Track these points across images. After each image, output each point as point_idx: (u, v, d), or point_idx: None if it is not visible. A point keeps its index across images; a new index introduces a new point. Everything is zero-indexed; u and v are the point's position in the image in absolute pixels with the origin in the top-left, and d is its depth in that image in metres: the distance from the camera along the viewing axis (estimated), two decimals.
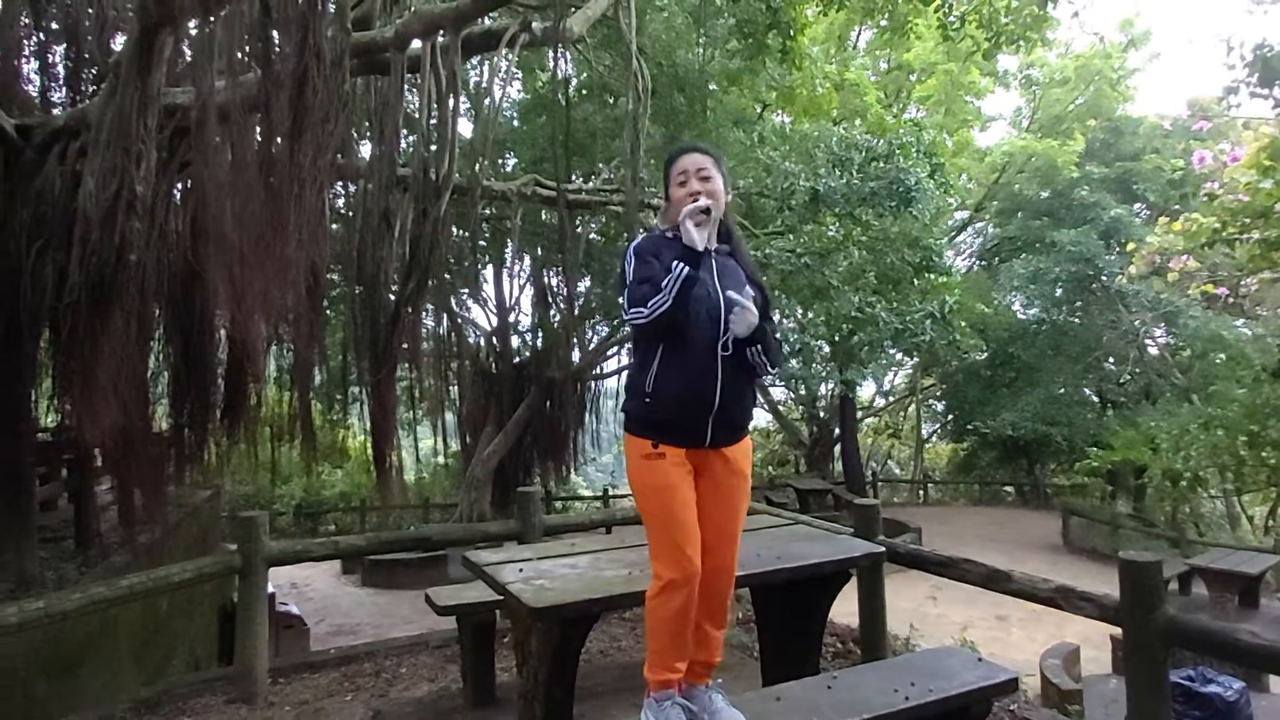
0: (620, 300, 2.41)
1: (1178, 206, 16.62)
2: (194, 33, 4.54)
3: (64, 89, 7.31)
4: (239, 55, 4.17)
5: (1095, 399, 21.11)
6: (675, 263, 2.29)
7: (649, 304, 2.30)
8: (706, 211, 2.36)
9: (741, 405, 2.48)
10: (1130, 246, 9.09)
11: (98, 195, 4.15)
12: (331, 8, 3.90)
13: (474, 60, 12.20)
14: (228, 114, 3.96)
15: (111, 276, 4.18)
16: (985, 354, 19.79)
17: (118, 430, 4.92)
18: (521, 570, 2.86)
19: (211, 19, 4.02)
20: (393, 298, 6.22)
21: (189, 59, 5.97)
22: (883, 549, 3.34)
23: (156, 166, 4.96)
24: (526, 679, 2.90)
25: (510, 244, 14.65)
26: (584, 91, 13.05)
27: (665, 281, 2.28)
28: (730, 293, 2.40)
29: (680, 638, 2.37)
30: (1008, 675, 2.60)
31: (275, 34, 3.76)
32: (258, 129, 3.99)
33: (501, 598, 2.86)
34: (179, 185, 5.68)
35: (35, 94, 7.35)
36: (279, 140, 3.70)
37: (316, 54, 3.59)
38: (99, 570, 6.68)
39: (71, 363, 4.57)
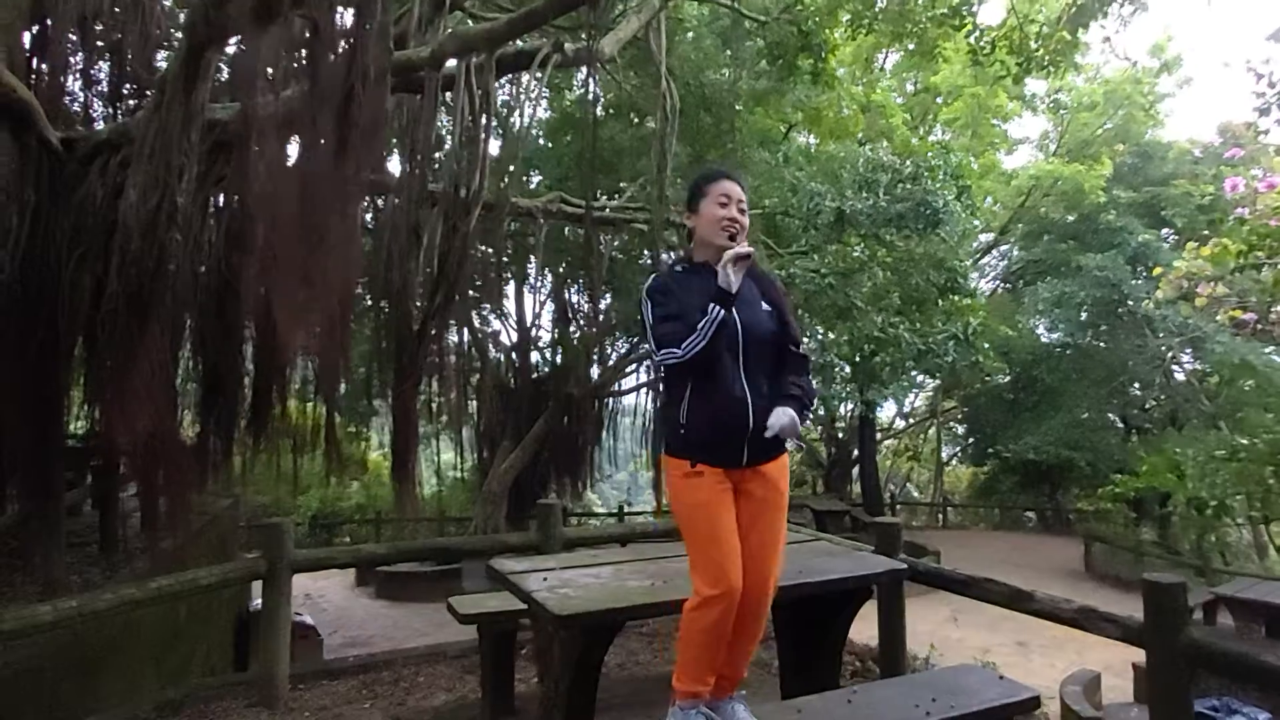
0: (648, 339, 2.47)
1: (1206, 232, 16.44)
2: (235, 51, 4.66)
3: (107, 104, 7.53)
4: (282, 73, 4.28)
5: (1120, 424, 20.85)
6: (711, 306, 2.35)
7: (683, 345, 2.36)
8: (748, 258, 2.44)
9: None
10: (1158, 271, 9.01)
11: (139, 207, 4.27)
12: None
13: (502, 80, 12.39)
14: (273, 130, 4.07)
15: (150, 286, 4.29)
16: (1008, 377, 19.64)
17: (148, 437, 5.03)
18: (546, 579, 2.90)
19: (259, 38, 4.13)
20: (419, 312, 6.30)
21: (224, 76, 6.14)
22: (904, 565, 3.35)
23: (195, 180, 5.10)
24: (548, 687, 2.93)
25: (533, 260, 14.75)
26: (611, 111, 13.18)
27: (701, 324, 2.35)
28: (768, 423, 2.41)
29: (713, 651, 2.41)
30: (1029, 693, 2.60)
31: (323, 52, 3.86)
32: (301, 144, 4.06)
33: (524, 607, 2.89)
34: (215, 199, 5.82)
35: (79, 109, 7.57)
36: (326, 156, 3.79)
37: (364, 73, 3.69)
38: (124, 575, 6.78)
39: (107, 370, 4.68)
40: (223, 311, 5.76)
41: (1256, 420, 13.23)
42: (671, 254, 11.43)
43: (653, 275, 2.63)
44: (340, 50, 3.78)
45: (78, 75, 7.49)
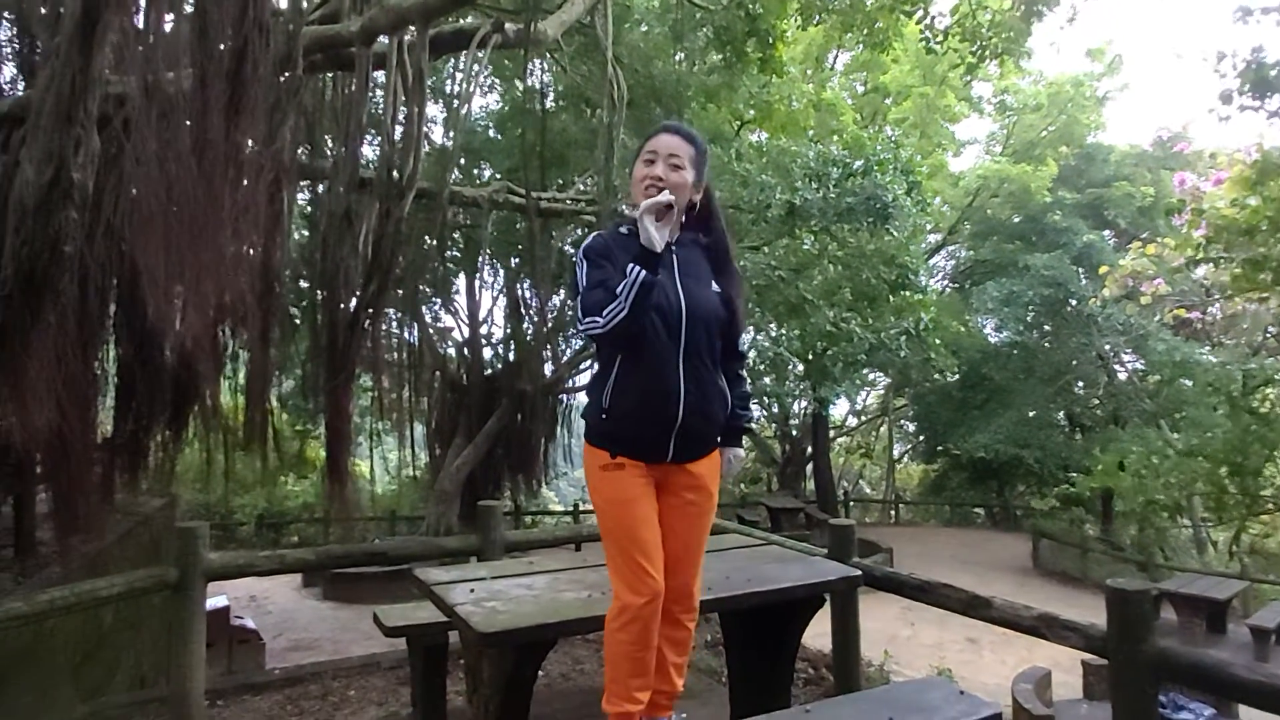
0: (575, 305, 2.20)
1: (1146, 234, 16.85)
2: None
3: (20, 78, 7.02)
4: (184, 35, 3.92)
5: (1065, 422, 21.24)
6: (631, 266, 2.04)
7: (604, 312, 2.06)
8: (670, 207, 2.10)
9: (709, 419, 2.26)
10: (1103, 270, 9.12)
11: (34, 183, 3.89)
12: None
13: (449, 69, 12.04)
14: (173, 97, 3.73)
15: (45, 269, 3.92)
16: (957, 376, 19.89)
17: (54, 433, 4.64)
18: (473, 591, 2.65)
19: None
20: (354, 301, 5.97)
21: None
22: (858, 572, 3.17)
23: (103, 158, 4.71)
24: (477, 707, 2.69)
25: (482, 253, 14.44)
26: (561, 101, 12.92)
27: (620, 287, 2.04)
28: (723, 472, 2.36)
29: (642, 664, 2.18)
30: (991, 710, 2.43)
31: (213, 4, 3.52)
32: (190, 111, 3.69)
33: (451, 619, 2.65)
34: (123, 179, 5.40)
35: None
36: (215, 119, 3.44)
37: (259, 26, 3.36)
38: (34, 581, 6.34)
39: (2, 360, 4.29)
40: (137, 298, 5.34)
41: (1197, 418, 13.54)
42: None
43: (592, 234, 2.32)
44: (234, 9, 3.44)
45: None
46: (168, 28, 3.94)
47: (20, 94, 5.91)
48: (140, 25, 3.94)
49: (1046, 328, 20.00)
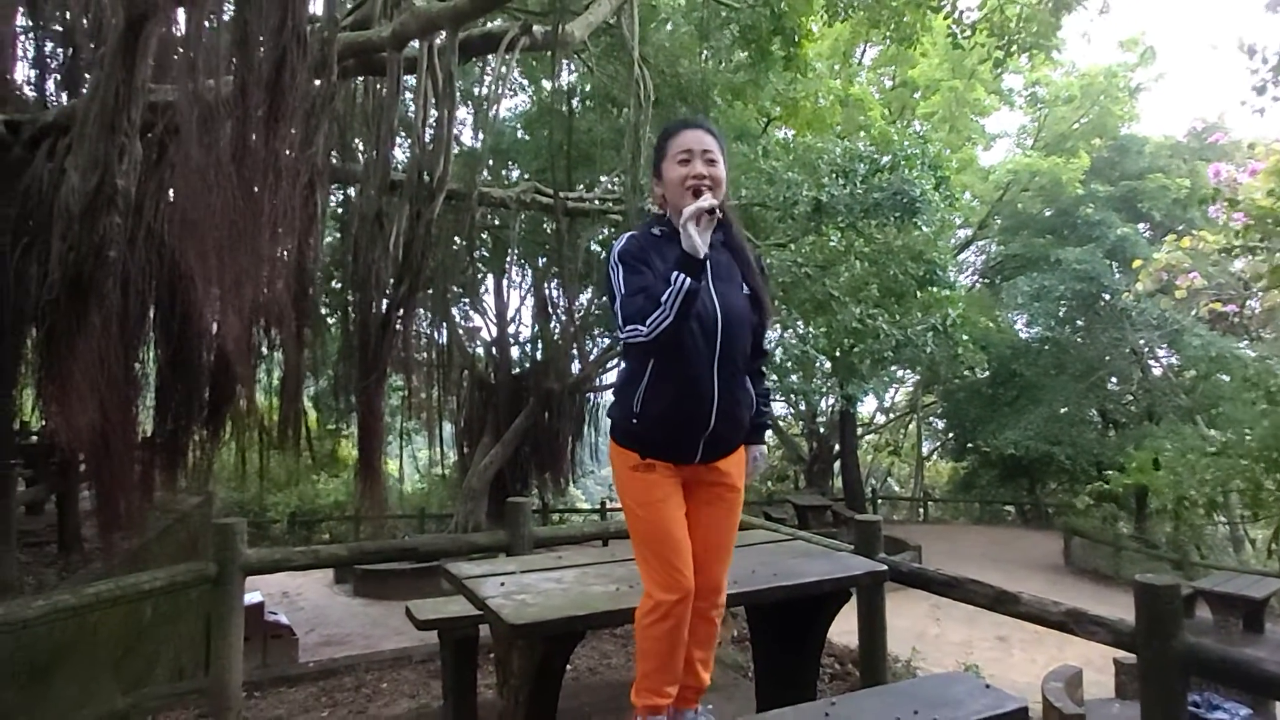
0: (614, 311, 2.16)
1: (1182, 226, 16.55)
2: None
3: (63, 87, 7.24)
4: (223, 44, 4.05)
5: (1098, 418, 20.93)
6: (676, 274, 2.01)
7: (649, 321, 2.02)
8: (712, 211, 2.06)
9: (737, 424, 2.28)
10: (1137, 264, 8.98)
11: (80, 190, 4.03)
12: None
13: (478, 71, 12.16)
14: (213, 106, 3.84)
15: (90, 273, 4.05)
16: (987, 372, 19.68)
17: (96, 433, 4.79)
18: (503, 584, 2.72)
19: (200, 10, 3.90)
20: (385, 302, 6.09)
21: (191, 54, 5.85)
22: (884, 567, 3.19)
23: (144, 165, 4.85)
24: (507, 699, 2.75)
25: (510, 253, 14.57)
26: (588, 101, 12.98)
27: (665, 296, 2.01)
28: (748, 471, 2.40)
29: (672, 660, 2.22)
30: (1017, 704, 2.44)
31: (253, 15, 3.63)
32: (231, 119, 3.81)
33: (481, 613, 2.71)
34: (166, 185, 5.56)
35: (34, 94, 7.28)
36: (254, 127, 3.55)
37: (297, 37, 3.46)
38: (78, 576, 6.52)
39: (48, 361, 4.44)
40: (176, 301, 5.49)
41: (1234, 414, 13.30)
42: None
43: (625, 235, 2.26)
44: (270, 12, 3.53)
45: (29, 58, 7.20)
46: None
47: (64, 104, 6.09)
48: (181, 35, 4.05)
49: (1079, 323, 19.75)
